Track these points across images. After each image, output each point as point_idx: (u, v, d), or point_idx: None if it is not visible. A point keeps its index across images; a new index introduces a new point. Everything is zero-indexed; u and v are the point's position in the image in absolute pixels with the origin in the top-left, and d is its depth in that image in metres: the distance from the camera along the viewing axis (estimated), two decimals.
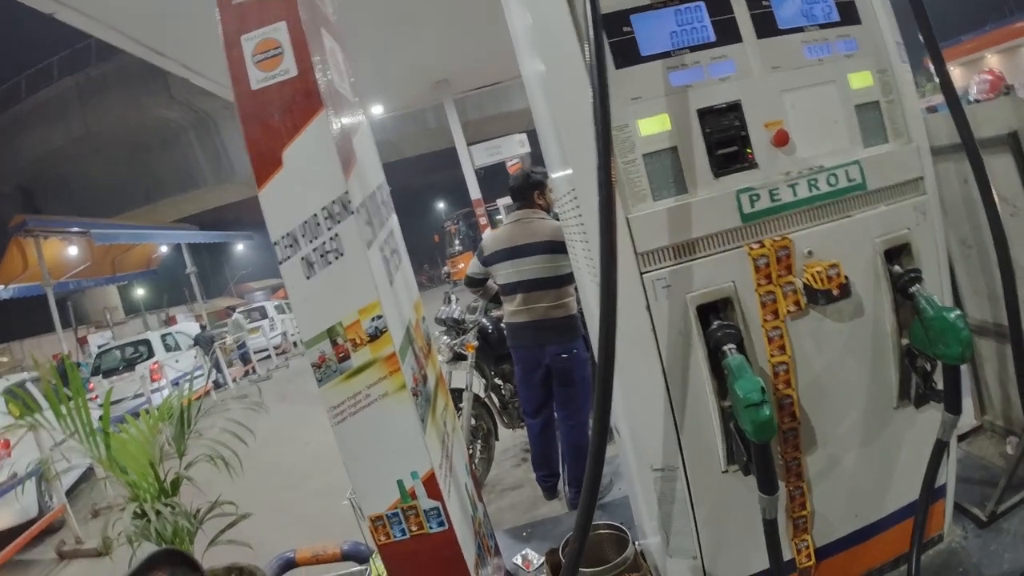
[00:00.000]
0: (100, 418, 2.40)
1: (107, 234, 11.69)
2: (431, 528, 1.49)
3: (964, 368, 1.78)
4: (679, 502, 1.52)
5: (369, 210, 1.59)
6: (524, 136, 10.24)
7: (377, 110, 9.59)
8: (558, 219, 3.50)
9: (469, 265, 3.49)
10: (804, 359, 1.51)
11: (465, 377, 3.72)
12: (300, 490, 5.13)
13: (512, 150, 10.03)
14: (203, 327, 14.10)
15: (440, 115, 10.17)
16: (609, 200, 1.20)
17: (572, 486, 3.32)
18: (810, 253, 1.48)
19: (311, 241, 1.41)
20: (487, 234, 3.42)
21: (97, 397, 8.38)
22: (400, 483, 1.46)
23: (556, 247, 3.07)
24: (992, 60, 15.87)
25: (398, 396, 1.41)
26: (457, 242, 22.58)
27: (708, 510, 1.53)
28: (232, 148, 23.94)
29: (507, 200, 9.47)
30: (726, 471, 1.49)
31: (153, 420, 2.40)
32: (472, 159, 9.47)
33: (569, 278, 3.13)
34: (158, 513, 2.20)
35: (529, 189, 3.29)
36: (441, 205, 41.17)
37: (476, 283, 3.50)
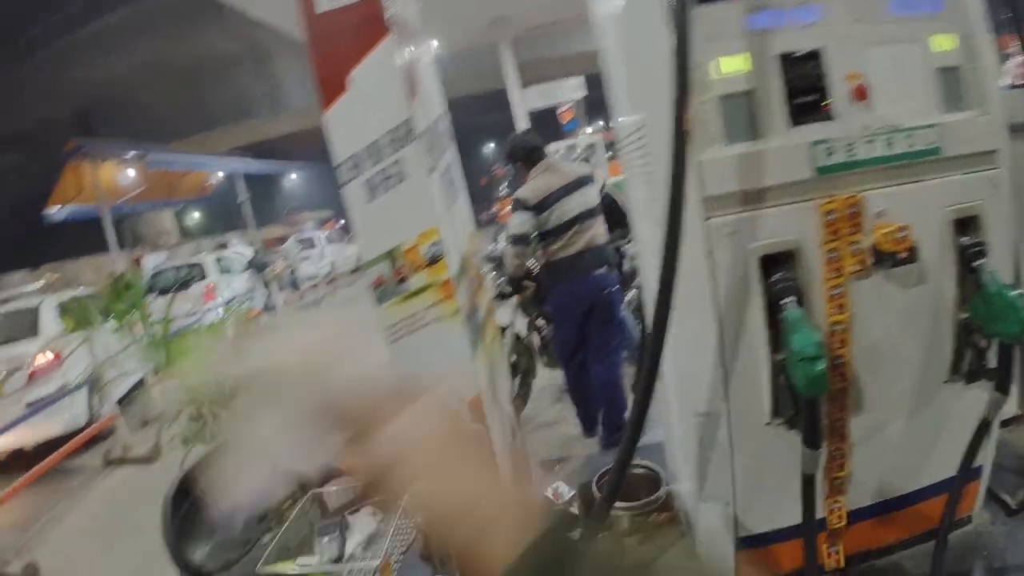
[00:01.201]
0: (162, 327, 2.54)
1: (161, 159, 11.95)
2: None
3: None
4: (719, 448, 1.54)
5: (431, 138, 1.59)
6: (581, 80, 9.94)
7: (433, 44, 9.41)
8: None
9: (513, 224, 3.46)
10: (862, 321, 1.48)
11: (508, 315, 3.78)
12: None
13: (566, 94, 9.78)
14: (256, 251, 14.48)
15: (493, 55, 9.91)
16: (682, 140, 1.17)
17: (606, 427, 3.40)
18: (880, 214, 1.43)
19: (374, 165, 1.43)
20: (526, 188, 3.45)
21: (152, 314, 8.75)
22: None
23: (587, 180, 3.42)
24: None
25: (452, 321, 1.44)
26: (505, 184, 22.45)
27: (747, 459, 1.55)
28: (286, 80, 23.99)
29: (556, 145, 9.26)
30: (769, 423, 1.50)
31: (214, 330, 2.52)
32: (525, 102, 9.29)
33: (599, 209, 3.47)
34: (215, 415, 2.34)
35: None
36: (490, 148, 40.66)
37: (527, 241, 3.51)
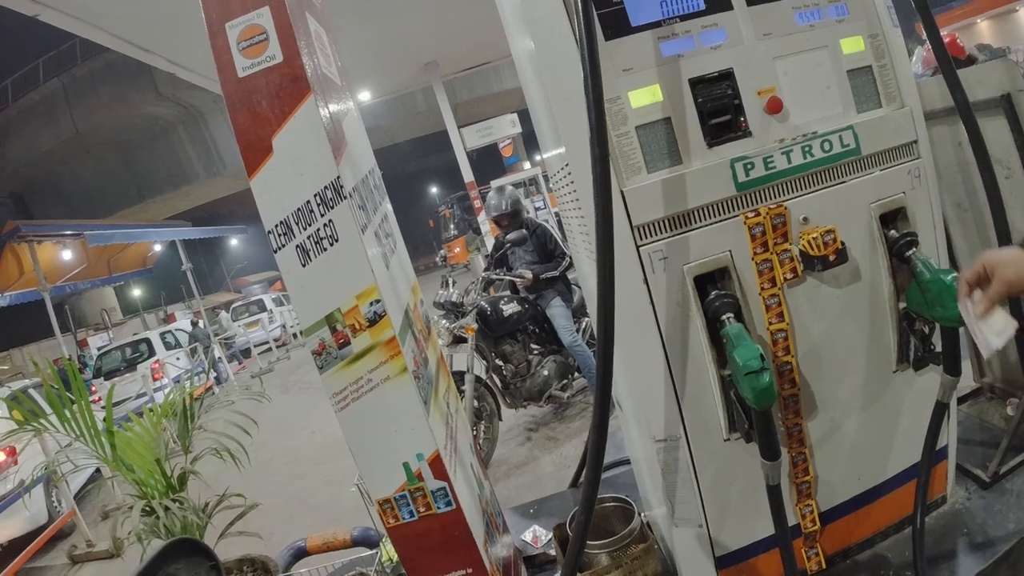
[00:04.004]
0: (104, 419, 2.41)
1: (101, 235, 11.58)
2: (439, 508, 1.50)
3: (962, 331, 1.79)
4: (682, 472, 1.54)
5: (362, 195, 1.58)
6: (515, 116, 10.18)
7: (365, 96, 9.50)
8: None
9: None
10: (802, 325, 1.51)
11: (466, 360, 3.74)
12: (308, 479, 5.17)
13: (504, 130, 9.99)
14: (194, 323, 14.03)
15: (430, 98, 10.09)
16: (604, 174, 1.19)
17: None
18: (806, 220, 1.48)
19: (305, 228, 1.40)
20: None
21: (100, 399, 8.38)
22: (406, 465, 1.46)
23: None
24: (983, 26, 15.75)
25: (400, 379, 1.41)
26: (452, 226, 22.49)
27: (712, 478, 1.55)
28: (221, 141, 23.75)
29: (501, 180, 9.51)
30: (728, 439, 1.50)
31: (157, 417, 2.40)
32: (464, 141, 9.41)
33: None
34: (166, 509, 2.22)
35: None
36: (435, 189, 40.92)
37: None
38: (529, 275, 4.03)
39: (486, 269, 4.36)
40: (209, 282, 32.06)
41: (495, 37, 2.22)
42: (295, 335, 17.18)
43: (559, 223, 9.56)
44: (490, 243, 8.97)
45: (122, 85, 22.11)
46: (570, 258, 4.19)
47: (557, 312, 4.05)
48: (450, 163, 9.84)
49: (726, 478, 1.56)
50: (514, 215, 4.27)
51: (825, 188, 1.51)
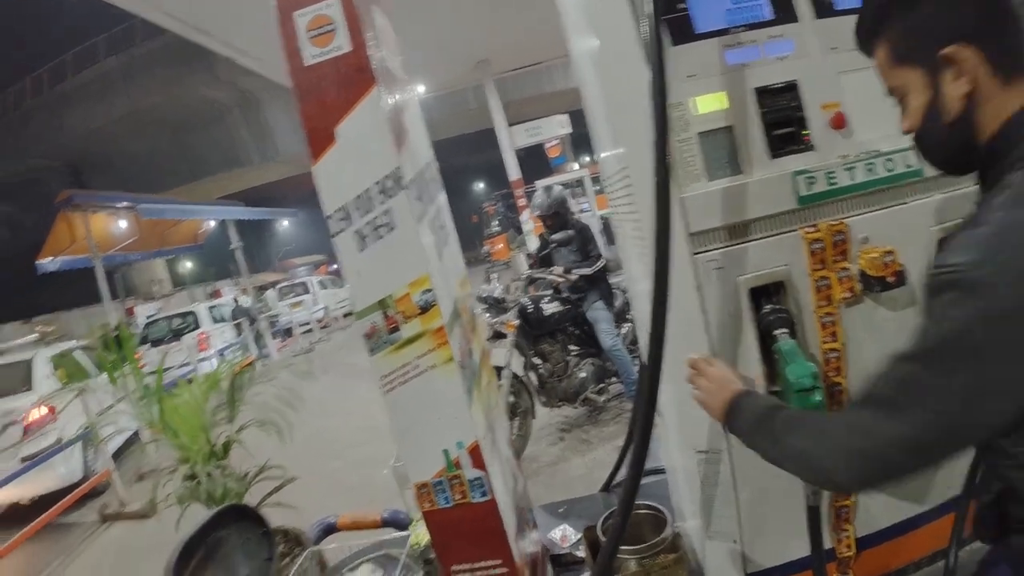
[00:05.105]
0: (154, 383, 2.51)
1: (154, 209, 11.93)
2: (474, 498, 1.52)
3: None
4: (722, 485, 1.52)
5: (419, 186, 1.61)
6: (566, 117, 10.17)
7: (419, 90, 9.62)
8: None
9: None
10: (856, 347, 1.48)
11: (504, 355, 3.76)
12: (343, 460, 5.26)
13: (552, 131, 9.99)
14: (236, 300, 14.39)
15: (480, 96, 10.13)
16: (665, 179, 1.19)
17: None
18: (866, 239, 1.45)
19: (364, 215, 1.44)
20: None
21: (145, 365, 8.66)
22: (446, 452, 1.49)
23: None
24: None
25: (446, 368, 1.44)
26: (495, 223, 22.68)
27: (751, 494, 1.53)
28: (276, 127, 24.32)
29: (547, 180, 9.52)
30: None
31: (206, 385, 2.50)
32: (512, 140, 9.45)
33: None
34: (208, 475, 2.31)
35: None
36: (480, 186, 41.17)
37: None
38: (560, 270, 4.04)
39: (530, 267, 4.38)
40: (257, 262, 32.96)
41: (548, 38, 2.23)
42: (336, 317, 17.56)
43: (605, 226, 9.52)
44: (531, 242, 9.01)
45: (179, 67, 22.80)
46: (605, 261, 4.16)
47: (599, 315, 4.04)
48: (493, 161, 9.91)
49: (765, 495, 1.53)
50: (556, 216, 4.27)
51: (886, 208, 1.47)
